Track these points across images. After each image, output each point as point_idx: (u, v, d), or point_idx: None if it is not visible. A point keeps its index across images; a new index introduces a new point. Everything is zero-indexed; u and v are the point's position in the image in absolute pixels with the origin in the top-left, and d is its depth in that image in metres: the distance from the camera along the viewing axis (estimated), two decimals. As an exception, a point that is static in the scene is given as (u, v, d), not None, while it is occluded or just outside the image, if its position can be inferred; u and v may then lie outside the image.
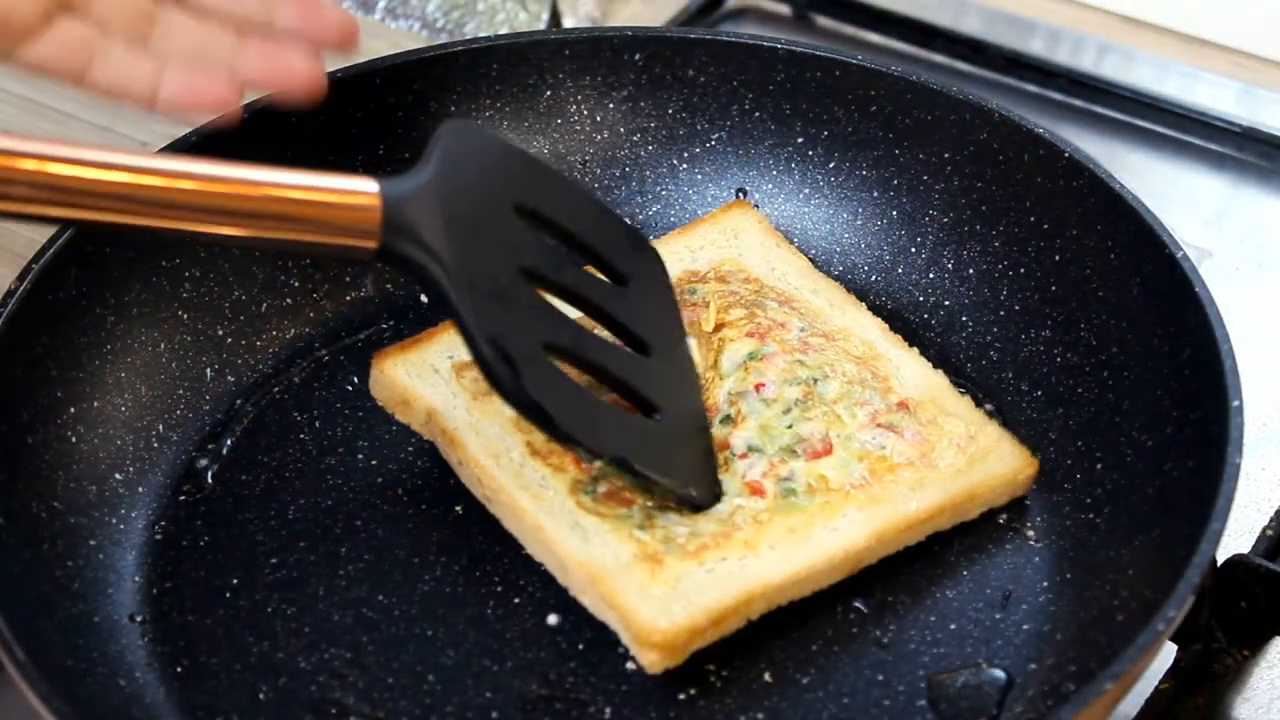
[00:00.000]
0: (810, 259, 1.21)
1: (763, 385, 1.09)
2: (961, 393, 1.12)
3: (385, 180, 0.97)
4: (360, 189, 0.95)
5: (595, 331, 1.07)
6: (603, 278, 1.08)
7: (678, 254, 1.18)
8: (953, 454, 1.07)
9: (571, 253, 1.07)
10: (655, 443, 1.04)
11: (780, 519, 1.03)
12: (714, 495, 1.05)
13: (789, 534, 1.02)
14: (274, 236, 0.94)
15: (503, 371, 0.98)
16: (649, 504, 1.04)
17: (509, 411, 1.06)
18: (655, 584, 1.00)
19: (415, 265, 0.97)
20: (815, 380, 1.10)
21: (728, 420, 1.08)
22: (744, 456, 1.06)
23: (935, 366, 1.14)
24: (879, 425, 1.08)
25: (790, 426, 1.07)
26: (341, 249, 0.96)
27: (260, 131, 1.17)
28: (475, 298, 0.98)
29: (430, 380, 1.09)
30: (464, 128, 1.05)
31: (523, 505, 1.03)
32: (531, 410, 0.99)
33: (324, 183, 0.94)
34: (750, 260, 1.17)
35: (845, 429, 1.07)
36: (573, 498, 1.04)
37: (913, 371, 1.11)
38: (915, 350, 1.13)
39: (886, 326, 1.13)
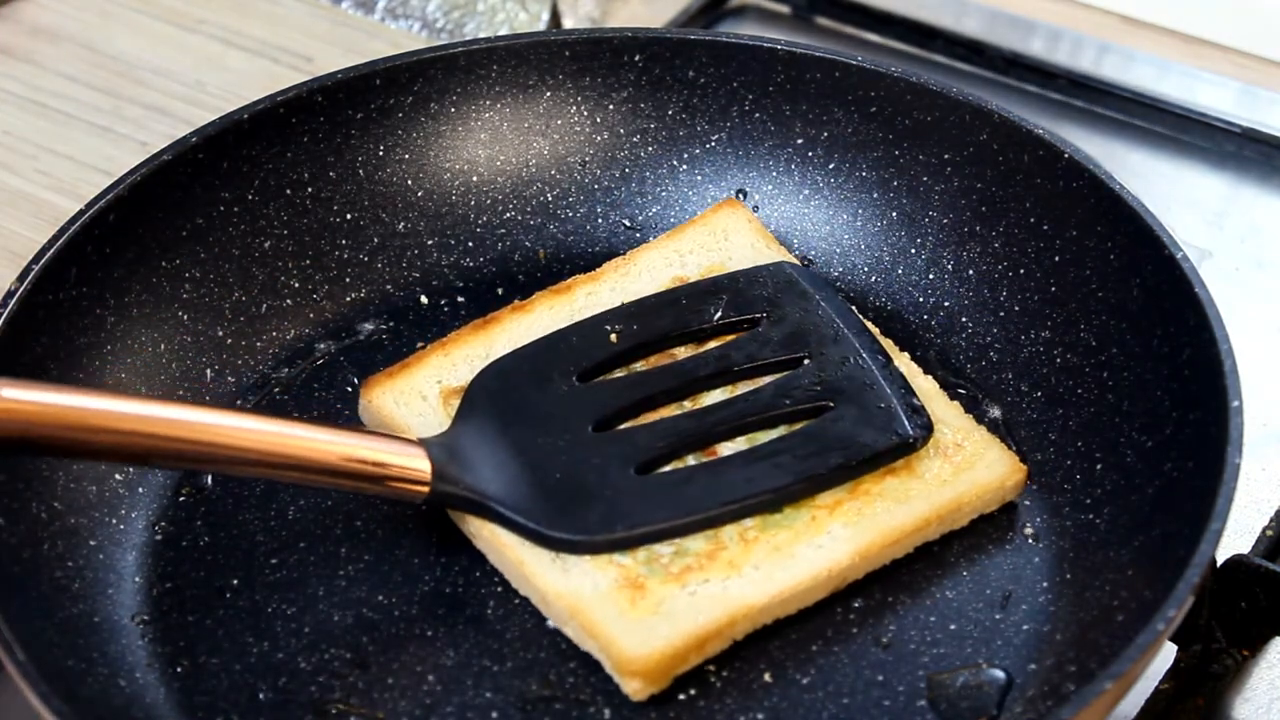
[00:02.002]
0: (810, 260, 1.21)
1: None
2: (959, 393, 1.13)
3: (432, 441, 1.04)
4: (412, 455, 1.03)
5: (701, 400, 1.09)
6: (711, 343, 1.11)
7: (666, 259, 1.18)
8: (939, 463, 1.07)
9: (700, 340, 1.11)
10: (827, 440, 1.05)
11: (766, 536, 1.03)
12: (927, 426, 1.06)
13: (773, 552, 1.02)
14: (335, 486, 1.02)
15: (590, 546, 1.02)
16: None
17: None
18: (635, 610, 0.99)
19: (464, 503, 1.04)
20: None
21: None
22: None
23: (935, 367, 1.14)
24: None
25: (770, 432, 1.07)
26: (398, 496, 1.04)
27: (260, 132, 1.17)
28: (539, 500, 1.02)
29: (418, 409, 1.09)
30: (487, 371, 1.09)
31: (504, 540, 1.03)
32: (643, 539, 1.02)
33: (382, 448, 1.02)
34: (739, 265, 1.17)
35: None
36: None
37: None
38: (906, 355, 1.13)
39: (878, 330, 1.13)
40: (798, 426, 1.07)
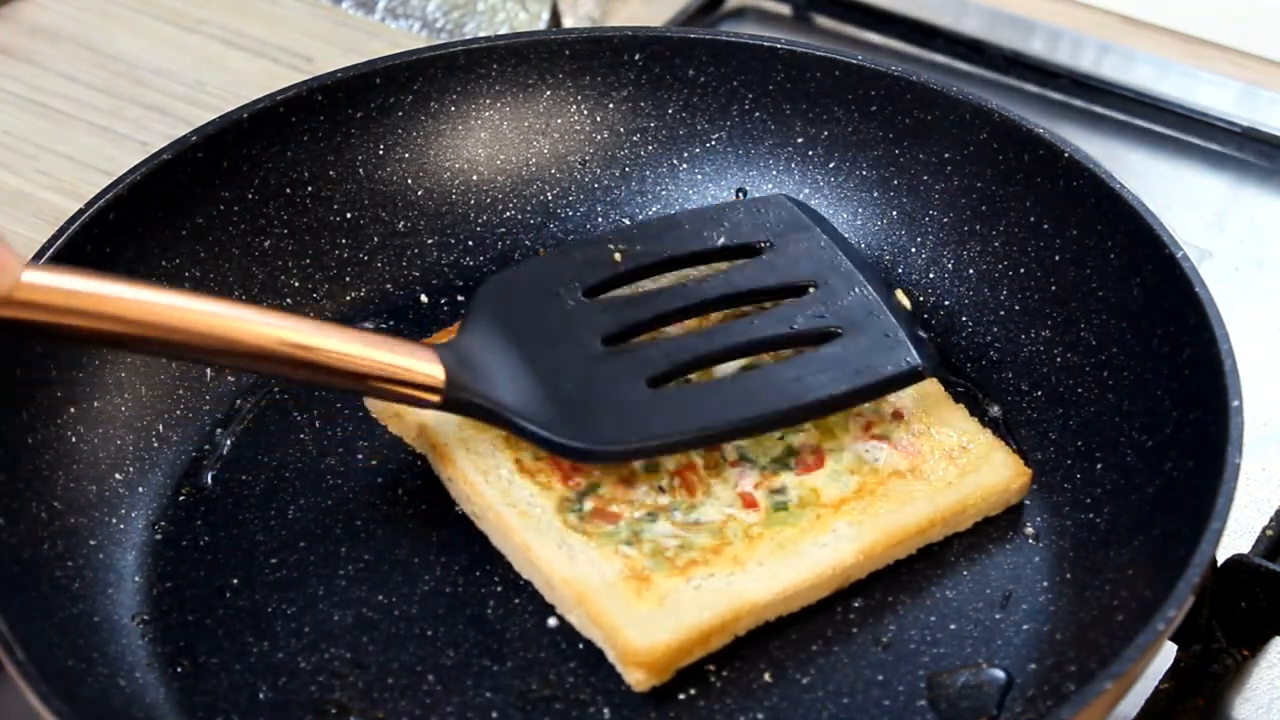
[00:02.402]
0: (810, 259, 1.21)
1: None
2: (960, 393, 1.13)
3: (445, 347, 1.04)
4: (428, 359, 1.03)
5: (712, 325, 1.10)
6: (716, 268, 1.11)
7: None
8: (944, 465, 1.07)
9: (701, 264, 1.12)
10: (836, 365, 1.05)
11: (771, 534, 1.03)
12: (934, 356, 1.06)
13: (778, 549, 1.02)
14: (352, 388, 1.04)
15: (605, 455, 1.03)
16: (637, 515, 1.04)
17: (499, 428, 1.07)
18: (641, 602, 1.00)
19: (478, 411, 1.04)
20: None
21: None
22: (735, 464, 1.06)
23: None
24: (873, 436, 1.08)
25: (781, 438, 1.07)
26: (411, 401, 1.04)
27: (260, 131, 1.17)
28: (552, 410, 1.03)
29: None
30: (492, 283, 1.10)
31: (510, 523, 1.04)
32: (657, 450, 1.03)
33: (397, 353, 1.02)
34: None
35: (837, 441, 1.07)
36: (559, 516, 1.04)
37: None
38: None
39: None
40: (807, 351, 1.07)
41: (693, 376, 1.07)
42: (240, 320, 0.98)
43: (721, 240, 1.12)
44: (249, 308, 1.00)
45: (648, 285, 1.11)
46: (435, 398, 1.02)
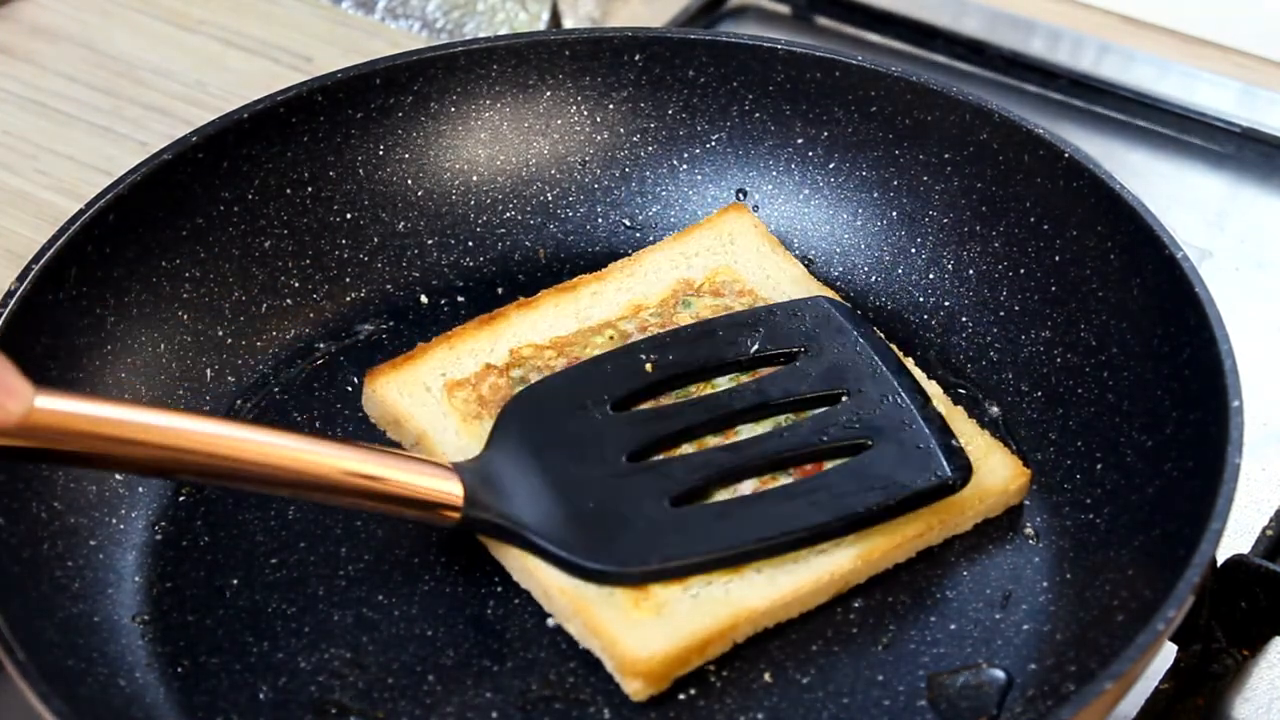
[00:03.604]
0: (810, 260, 1.21)
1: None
2: (960, 394, 1.13)
3: (465, 466, 1.03)
4: (447, 479, 1.01)
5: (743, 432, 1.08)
6: (747, 375, 1.10)
7: (673, 261, 1.17)
8: None
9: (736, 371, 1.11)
10: (865, 479, 1.04)
11: None
12: (966, 467, 1.04)
13: (776, 556, 1.02)
14: (364, 508, 1.02)
15: (624, 578, 1.01)
16: None
17: None
18: (639, 611, 0.99)
19: (496, 530, 1.03)
20: None
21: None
22: None
23: (935, 368, 1.14)
24: None
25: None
26: (429, 520, 1.02)
27: (260, 132, 1.17)
28: (573, 530, 1.02)
29: (422, 400, 1.09)
30: (521, 396, 1.09)
31: None
32: (678, 572, 1.01)
33: (415, 472, 1.01)
34: (745, 268, 1.17)
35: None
36: None
37: None
38: (910, 360, 1.13)
39: (881, 335, 1.13)
40: (835, 464, 1.06)
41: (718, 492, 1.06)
42: (254, 444, 0.97)
43: (755, 348, 1.11)
44: (262, 429, 0.99)
45: (675, 396, 1.09)
46: (455, 516, 1.01)
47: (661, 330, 1.12)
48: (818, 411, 1.07)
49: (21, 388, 0.90)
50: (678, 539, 1.02)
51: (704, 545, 1.02)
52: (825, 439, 1.06)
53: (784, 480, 1.05)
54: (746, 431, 1.08)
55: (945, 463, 1.04)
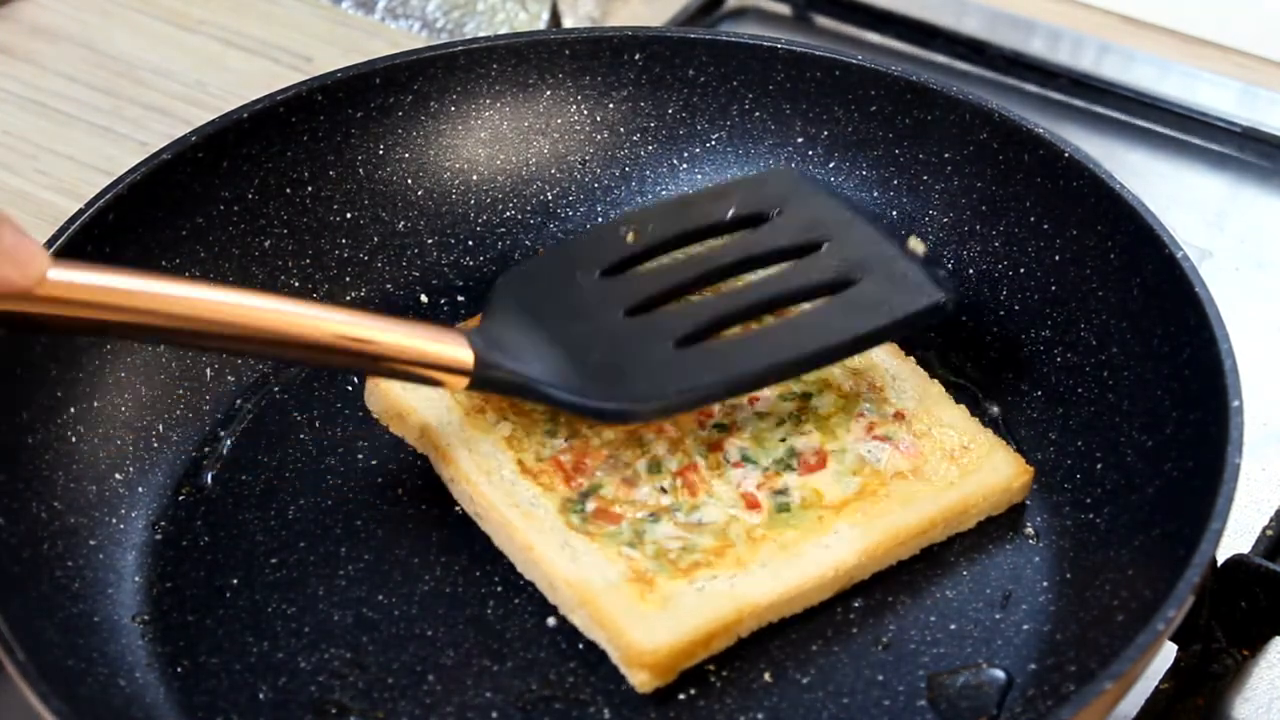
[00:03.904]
0: (810, 259, 1.21)
1: (756, 399, 1.09)
2: (961, 393, 1.13)
3: (471, 331, 1.04)
4: (456, 341, 1.03)
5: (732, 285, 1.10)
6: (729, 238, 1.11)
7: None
8: (945, 465, 1.07)
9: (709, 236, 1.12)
10: (860, 306, 1.06)
11: (773, 535, 1.03)
12: (955, 289, 1.06)
13: (780, 551, 1.02)
14: (380, 372, 1.05)
15: (642, 414, 1.03)
16: (639, 516, 1.04)
17: (501, 429, 1.07)
18: (644, 604, 1.00)
19: (509, 386, 1.04)
20: (809, 395, 1.10)
21: (721, 428, 1.08)
22: (738, 465, 1.06)
23: (935, 367, 1.14)
24: (875, 437, 1.08)
25: (784, 440, 1.07)
26: (440, 383, 1.04)
27: (260, 131, 1.17)
28: (584, 378, 1.03)
29: (425, 394, 1.09)
30: (510, 274, 1.10)
31: (513, 523, 1.03)
32: (694, 403, 1.04)
33: (426, 336, 1.03)
34: None
35: (839, 442, 1.07)
36: (562, 517, 1.04)
37: (909, 380, 1.11)
38: (912, 360, 1.13)
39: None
40: (830, 299, 1.07)
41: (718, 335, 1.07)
42: (273, 311, 0.98)
43: (731, 212, 1.12)
44: (274, 296, 1.00)
45: (663, 261, 1.11)
46: (465, 379, 1.02)
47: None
48: (804, 259, 1.09)
49: (36, 256, 0.91)
50: (687, 373, 1.03)
51: (714, 375, 1.03)
52: (816, 277, 1.08)
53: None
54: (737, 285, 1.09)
55: (935, 287, 1.06)
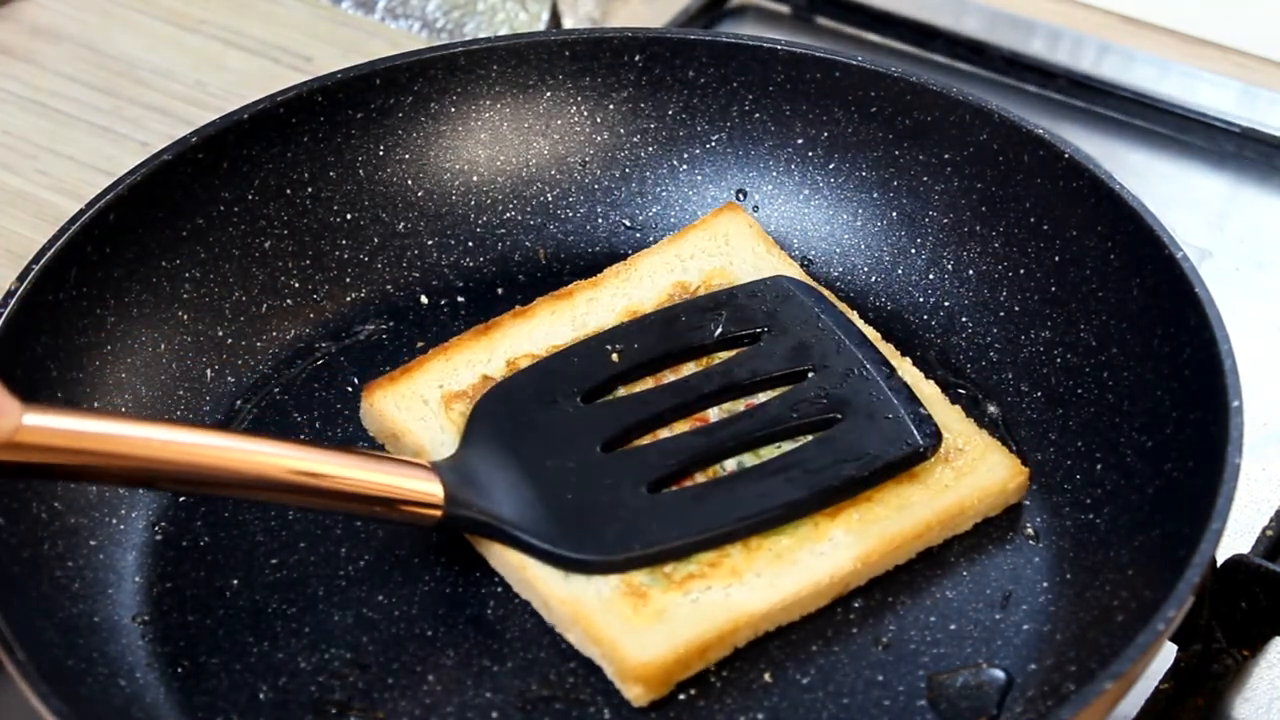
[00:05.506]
0: (810, 260, 1.21)
1: (752, 405, 1.09)
2: (959, 393, 1.13)
3: (443, 465, 1.03)
4: (426, 479, 1.02)
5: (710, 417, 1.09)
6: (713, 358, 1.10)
7: (668, 264, 1.17)
8: (940, 468, 1.07)
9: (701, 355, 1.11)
10: (839, 447, 1.05)
11: (768, 543, 1.03)
12: (936, 434, 1.05)
13: (775, 559, 1.02)
14: (347, 511, 1.04)
15: (607, 566, 1.02)
16: None
17: None
18: (638, 618, 0.99)
19: (478, 526, 1.03)
20: None
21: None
22: (732, 474, 1.06)
23: (935, 368, 1.14)
24: None
25: (779, 446, 1.07)
26: (411, 520, 1.03)
27: (260, 132, 1.17)
28: (553, 522, 1.02)
29: (419, 413, 1.09)
30: (490, 395, 1.09)
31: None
32: (659, 557, 1.02)
33: (397, 474, 1.02)
34: (740, 270, 1.17)
35: None
36: None
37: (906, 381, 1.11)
38: (908, 360, 1.13)
39: (879, 335, 1.13)
40: (807, 440, 1.06)
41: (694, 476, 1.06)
42: (239, 453, 0.97)
43: (719, 332, 1.11)
44: (251, 438, 1.01)
45: (647, 383, 1.10)
46: (436, 514, 1.01)
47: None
48: (785, 390, 1.08)
49: (10, 405, 0.90)
50: (657, 524, 1.02)
51: (684, 529, 1.02)
52: (795, 416, 1.07)
53: (758, 460, 1.06)
54: (716, 415, 1.08)
55: (915, 431, 1.06)
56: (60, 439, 0.92)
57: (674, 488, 1.05)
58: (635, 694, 0.98)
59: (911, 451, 1.05)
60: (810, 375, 1.09)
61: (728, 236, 1.19)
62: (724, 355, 1.11)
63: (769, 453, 1.07)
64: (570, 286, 1.17)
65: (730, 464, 1.07)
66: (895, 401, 1.07)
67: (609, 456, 1.06)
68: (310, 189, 1.19)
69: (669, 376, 1.10)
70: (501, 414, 1.07)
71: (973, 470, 1.07)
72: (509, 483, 1.03)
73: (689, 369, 1.11)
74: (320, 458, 0.99)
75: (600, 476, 1.04)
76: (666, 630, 0.99)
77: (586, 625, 0.99)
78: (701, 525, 1.02)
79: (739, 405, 1.09)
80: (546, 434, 1.06)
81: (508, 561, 1.03)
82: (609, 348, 1.11)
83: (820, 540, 1.03)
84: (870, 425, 1.06)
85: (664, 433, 1.07)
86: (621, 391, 1.10)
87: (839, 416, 1.07)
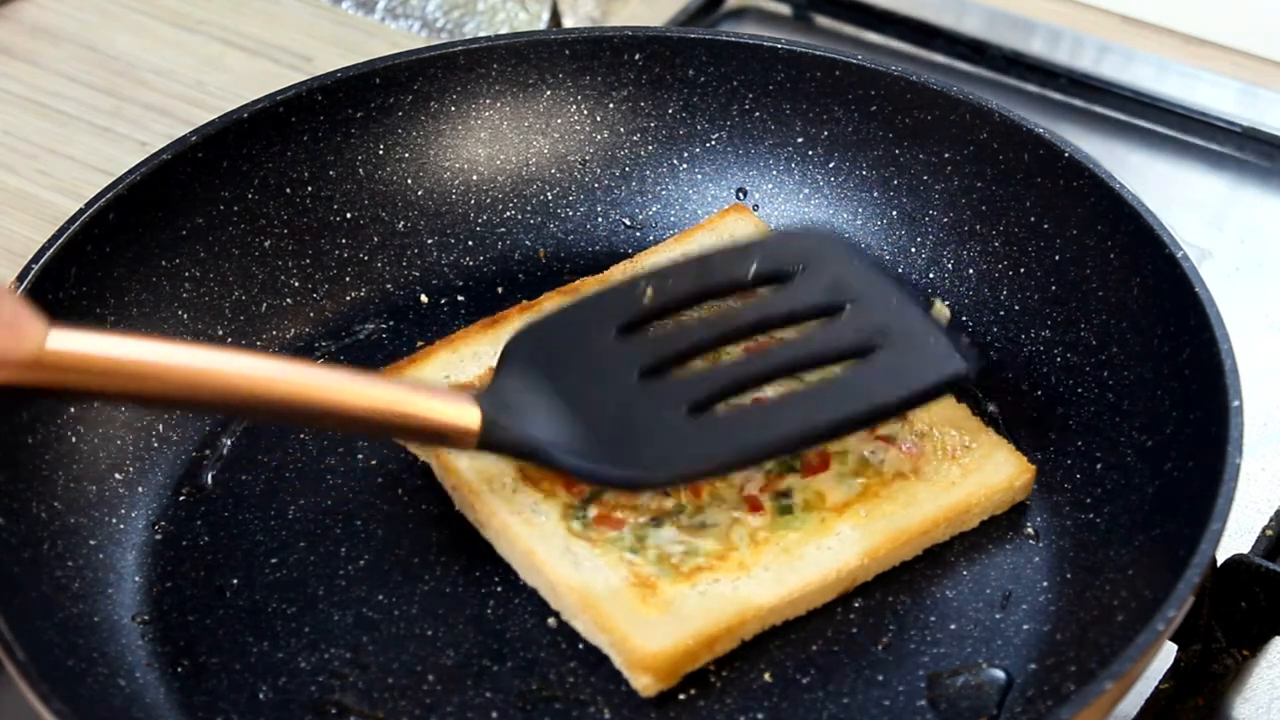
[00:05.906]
0: (810, 259, 1.21)
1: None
2: (963, 393, 1.13)
3: (480, 392, 1.02)
4: (464, 402, 1.00)
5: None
6: (743, 299, 1.08)
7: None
8: (947, 465, 1.07)
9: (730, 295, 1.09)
10: (880, 376, 1.03)
11: (776, 538, 1.03)
12: (974, 360, 1.03)
13: (783, 554, 1.02)
14: (388, 436, 1.06)
15: (652, 482, 1.02)
16: (641, 521, 1.04)
17: None
18: (647, 608, 1.00)
19: (518, 449, 1.02)
20: None
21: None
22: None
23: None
24: (877, 438, 1.08)
25: (820, 374, 1.06)
26: (449, 444, 1.02)
27: (260, 131, 1.17)
28: (594, 443, 1.01)
29: None
30: (523, 331, 1.07)
31: (514, 531, 1.03)
32: (705, 473, 1.02)
33: (433, 398, 1.00)
34: None
35: (842, 443, 1.07)
36: (564, 524, 1.04)
37: None
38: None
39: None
40: (849, 365, 1.04)
41: (733, 402, 1.05)
42: (272, 377, 0.96)
43: (753, 270, 1.10)
44: (283, 359, 0.99)
45: (681, 319, 1.09)
46: (473, 440, 1.00)
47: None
48: (824, 322, 1.06)
49: (34, 325, 0.90)
50: (700, 442, 1.01)
51: (726, 445, 1.01)
52: (836, 343, 1.04)
53: (801, 384, 1.06)
54: (755, 347, 1.07)
55: (957, 356, 1.03)
56: (86, 359, 0.92)
57: (715, 411, 1.03)
58: (644, 684, 0.98)
59: (954, 374, 1.02)
60: (847, 308, 1.06)
61: (733, 236, 1.19)
62: (759, 294, 1.10)
63: (811, 379, 1.06)
64: (577, 282, 1.17)
65: (770, 392, 1.06)
66: (934, 329, 1.04)
67: (647, 382, 1.03)
68: (310, 188, 1.19)
69: (704, 313, 1.09)
70: (536, 347, 1.05)
71: (979, 467, 1.07)
72: (547, 409, 1.02)
73: (723, 306, 1.10)
74: (360, 384, 0.98)
75: (640, 401, 1.02)
76: (675, 621, 0.99)
77: (595, 613, 1.00)
78: (744, 442, 1.01)
79: (778, 337, 1.08)
80: (583, 365, 1.04)
81: (515, 549, 1.03)
82: (641, 285, 1.09)
83: (827, 535, 1.03)
84: (911, 350, 1.03)
85: (701, 363, 1.07)
86: (657, 327, 1.09)
87: (879, 345, 1.04)
